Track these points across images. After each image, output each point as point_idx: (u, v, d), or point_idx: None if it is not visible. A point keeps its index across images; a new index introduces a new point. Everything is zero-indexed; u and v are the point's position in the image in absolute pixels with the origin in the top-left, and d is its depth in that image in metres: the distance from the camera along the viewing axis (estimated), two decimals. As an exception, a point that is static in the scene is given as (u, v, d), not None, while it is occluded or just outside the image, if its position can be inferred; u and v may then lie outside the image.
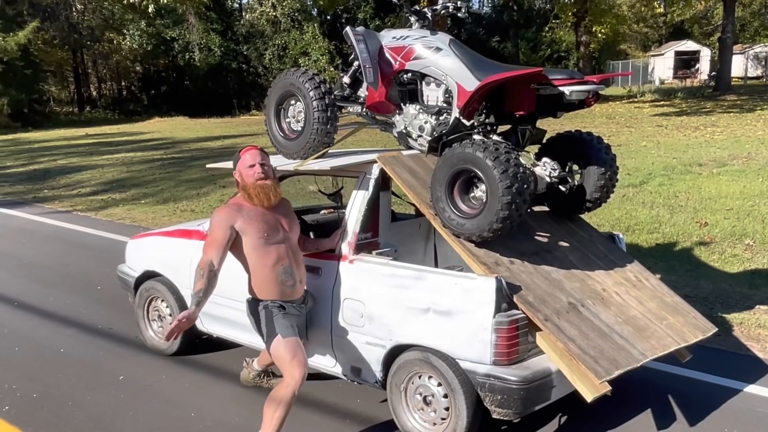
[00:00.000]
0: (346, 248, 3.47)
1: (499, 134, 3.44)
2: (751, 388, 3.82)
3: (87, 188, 12.07)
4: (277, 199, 3.25)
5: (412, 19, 3.68)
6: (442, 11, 3.70)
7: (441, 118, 3.53)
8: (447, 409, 3.11)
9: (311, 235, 3.75)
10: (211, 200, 10.23)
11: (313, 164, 3.69)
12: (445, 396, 3.11)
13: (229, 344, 4.26)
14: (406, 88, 3.67)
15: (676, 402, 3.65)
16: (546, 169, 3.36)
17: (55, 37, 36.34)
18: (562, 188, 3.44)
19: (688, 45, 43.19)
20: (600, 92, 3.26)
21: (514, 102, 3.32)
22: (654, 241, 6.78)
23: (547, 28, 41.78)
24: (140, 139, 21.12)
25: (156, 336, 4.47)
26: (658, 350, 3.13)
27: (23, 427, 3.49)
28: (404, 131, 3.71)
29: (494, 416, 3.03)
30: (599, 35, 31.96)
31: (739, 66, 35.77)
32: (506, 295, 2.95)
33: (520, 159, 3.06)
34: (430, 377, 3.16)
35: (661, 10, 38.16)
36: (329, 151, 3.87)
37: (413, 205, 3.87)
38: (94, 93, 42.86)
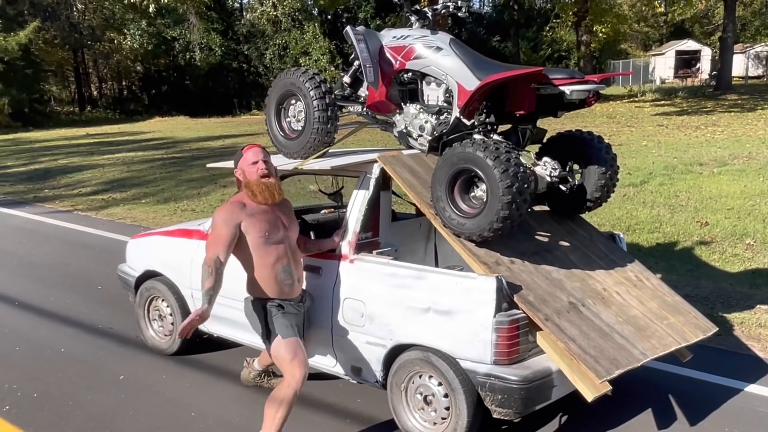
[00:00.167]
0: (346, 248, 3.47)
1: (499, 134, 3.43)
2: (752, 388, 3.82)
3: (88, 188, 12.07)
4: (281, 196, 3.26)
5: (413, 18, 3.67)
6: (443, 11, 3.69)
7: (441, 117, 3.53)
8: (447, 408, 3.11)
9: (312, 235, 3.75)
10: (212, 200, 10.23)
11: (314, 164, 3.69)
12: (446, 396, 3.11)
13: (229, 344, 4.26)
14: (407, 87, 3.66)
15: (676, 401, 3.64)
16: (546, 169, 3.36)
17: (55, 36, 36.39)
18: (563, 188, 3.44)
19: (689, 44, 43.18)
20: (600, 92, 3.27)
21: (515, 101, 3.32)
22: (654, 240, 6.78)
23: (547, 28, 41.77)
24: (141, 139, 21.12)
25: (156, 336, 4.47)
26: (658, 350, 3.13)
27: (24, 426, 3.49)
28: (405, 131, 3.71)
29: (495, 416, 3.03)
30: (600, 35, 31.94)
31: (740, 65, 35.76)
32: (507, 295, 2.95)
33: (521, 158, 3.06)
34: (430, 377, 3.16)
35: (662, 9, 38.17)
36: (330, 151, 3.87)
37: (414, 204, 3.87)
38: (95, 93, 42.86)
